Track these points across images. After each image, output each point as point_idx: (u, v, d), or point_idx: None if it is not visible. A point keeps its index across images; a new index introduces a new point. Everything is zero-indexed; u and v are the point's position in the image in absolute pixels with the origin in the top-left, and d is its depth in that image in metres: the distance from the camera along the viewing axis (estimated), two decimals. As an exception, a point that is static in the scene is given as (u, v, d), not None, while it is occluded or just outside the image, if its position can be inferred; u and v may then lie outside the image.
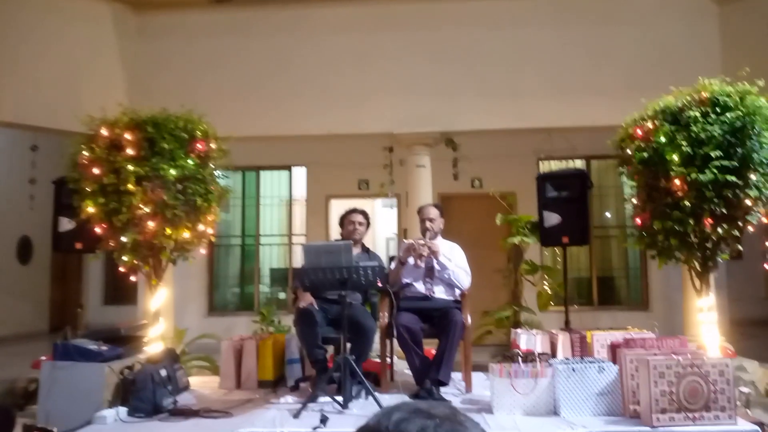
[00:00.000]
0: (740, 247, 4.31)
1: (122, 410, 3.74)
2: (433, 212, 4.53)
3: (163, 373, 4.02)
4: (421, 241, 4.28)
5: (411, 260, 4.29)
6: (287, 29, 7.09)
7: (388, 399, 3.92)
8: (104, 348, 4.11)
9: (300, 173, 9.46)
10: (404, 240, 4.48)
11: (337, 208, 9.02)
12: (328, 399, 3.77)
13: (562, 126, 6.91)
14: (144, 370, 3.96)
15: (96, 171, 4.50)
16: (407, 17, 7.02)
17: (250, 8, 7.09)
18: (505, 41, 6.91)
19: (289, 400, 4.03)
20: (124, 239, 4.50)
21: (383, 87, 6.97)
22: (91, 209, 4.54)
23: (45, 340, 8.08)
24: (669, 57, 6.57)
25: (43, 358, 4.28)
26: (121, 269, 4.73)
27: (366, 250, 4.69)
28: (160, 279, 4.81)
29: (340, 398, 3.74)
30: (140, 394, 3.78)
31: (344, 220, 4.68)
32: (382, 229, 11.50)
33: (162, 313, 4.88)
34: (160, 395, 3.82)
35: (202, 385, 4.66)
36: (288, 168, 9.43)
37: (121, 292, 9.91)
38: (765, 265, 5.98)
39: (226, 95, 6.92)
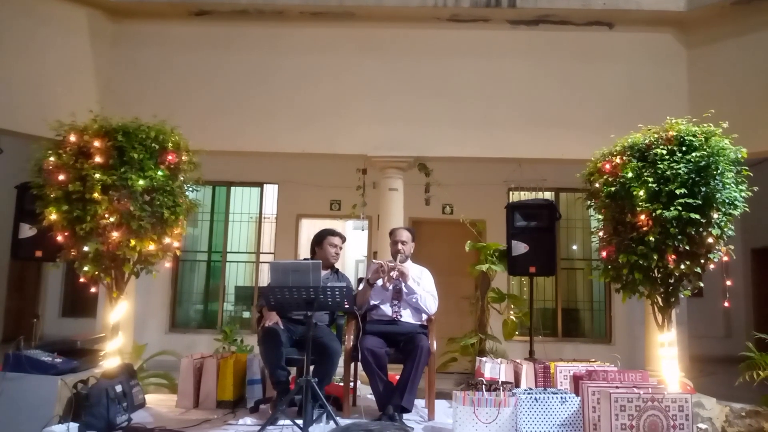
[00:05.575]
0: (701, 284, 4.40)
1: (73, 426, 3.61)
2: (405, 235, 4.52)
3: (119, 388, 3.90)
4: (391, 263, 4.26)
5: (379, 282, 4.27)
6: (266, 46, 7.10)
7: (350, 423, 3.87)
8: (58, 360, 3.97)
9: (271, 191, 9.40)
10: (373, 261, 4.45)
11: (308, 227, 8.99)
12: (288, 422, 3.69)
13: (533, 157, 7.03)
14: (98, 384, 3.83)
15: (61, 177, 4.40)
16: (386, 43, 7.10)
17: (230, 23, 7.09)
18: (481, 72, 7.02)
19: (248, 421, 3.93)
20: (86, 249, 4.39)
21: (360, 109, 7.00)
22: (53, 216, 4.42)
23: (-4, 350, 7.79)
24: (639, 96, 6.78)
25: (-7, 368, 4.11)
26: (82, 280, 4.60)
27: (335, 270, 4.63)
28: (122, 291, 4.69)
29: (300, 422, 3.66)
30: (93, 409, 3.65)
31: (323, 241, 4.56)
32: (352, 251, 11.46)
33: (121, 327, 4.75)
34: (113, 412, 3.70)
35: (158, 403, 4.54)
36: (260, 185, 9.37)
37: (79, 304, 9.63)
38: (725, 304, 6.11)
39: (201, 108, 6.86)
